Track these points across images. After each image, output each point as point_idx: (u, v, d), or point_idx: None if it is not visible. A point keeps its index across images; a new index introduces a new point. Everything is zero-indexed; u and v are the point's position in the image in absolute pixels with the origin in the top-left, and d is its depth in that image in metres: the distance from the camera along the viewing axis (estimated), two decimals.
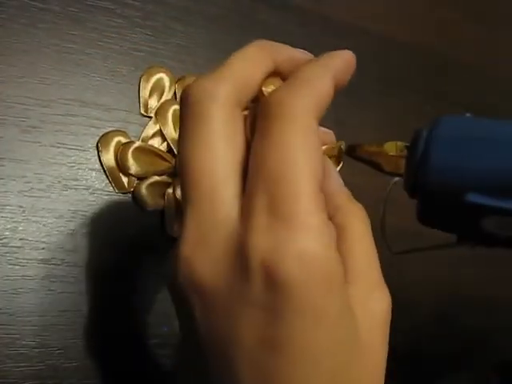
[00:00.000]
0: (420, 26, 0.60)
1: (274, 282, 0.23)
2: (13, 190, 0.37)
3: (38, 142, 0.38)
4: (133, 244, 0.40)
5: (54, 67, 0.40)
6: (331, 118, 0.35)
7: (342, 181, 0.31)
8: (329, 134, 0.36)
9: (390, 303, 0.27)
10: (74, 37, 0.41)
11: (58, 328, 0.36)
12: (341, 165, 0.41)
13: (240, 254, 0.24)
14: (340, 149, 0.35)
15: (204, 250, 0.25)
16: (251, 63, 0.29)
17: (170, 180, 0.42)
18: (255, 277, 0.23)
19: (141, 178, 0.41)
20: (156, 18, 0.45)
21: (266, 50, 0.30)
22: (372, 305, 0.26)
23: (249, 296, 0.24)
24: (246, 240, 0.24)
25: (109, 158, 0.40)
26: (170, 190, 0.41)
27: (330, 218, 0.27)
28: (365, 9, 0.59)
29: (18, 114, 0.38)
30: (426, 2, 0.62)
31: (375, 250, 0.28)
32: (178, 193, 0.41)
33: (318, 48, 0.53)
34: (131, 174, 0.40)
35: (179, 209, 0.41)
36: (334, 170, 0.31)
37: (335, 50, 0.53)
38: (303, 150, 0.25)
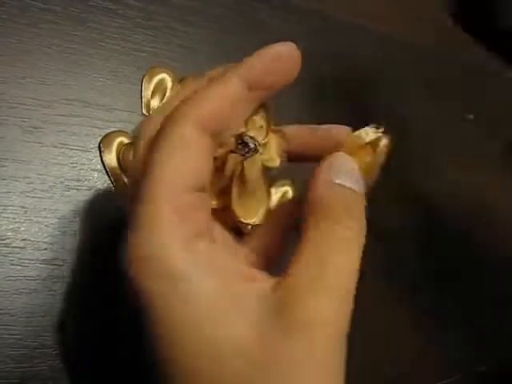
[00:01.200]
0: (420, 26, 0.60)
1: None
2: (15, 191, 0.37)
3: (40, 143, 0.38)
4: None
5: (56, 68, 0.40)
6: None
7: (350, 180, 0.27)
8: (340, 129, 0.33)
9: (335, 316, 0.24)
10: (75, 37, 0.41)
11: (60, 329, 0.36)
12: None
13: None
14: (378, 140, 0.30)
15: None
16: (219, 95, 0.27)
17: None
18: None
19: None
20: (158, 19, 0.45)
21: (233, 70, 0.28)
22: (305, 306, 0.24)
23: None
24: None
25: (111, 158, 0.40)
26: None
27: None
28: (365, 8, 0.59)
29: (19, 114, 0.38)
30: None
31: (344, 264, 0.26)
32: None
33: (318, 48, 0.53)
34: None
35: None
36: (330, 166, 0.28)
37: (336, 49, 0.54)
38: (172, 155, 0.26)
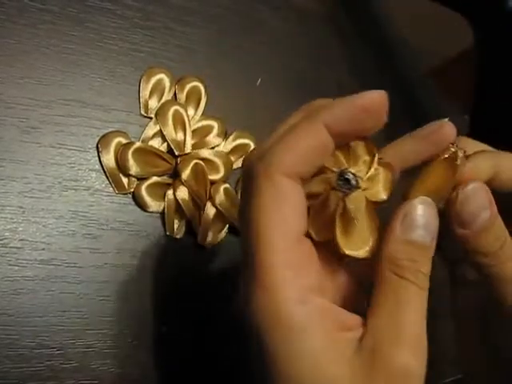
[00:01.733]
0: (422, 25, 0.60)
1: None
2: (13, 191, 0.37)
3: (38, 143, 0.38)
4: (133, 244, 0.40)
5: (54, 68, 0.40)
6: None
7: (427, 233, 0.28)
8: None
9: (416, 364, 0.27)
10: (73, 37, 0.41)
11: (58, 329, 0.36)
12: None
13: None
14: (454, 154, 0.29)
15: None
16: (305, 136, 0.28)
17: (170, 181, 0.42)
18: None
19: (141, 179, 0.41)
20: (156, 19, 0.45)
21: (317, 120, 0.28)
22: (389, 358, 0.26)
23: None
24: None
25: (109, 158, 0.40)
26: (171, 191, 0.41)
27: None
28: (365, 10, 0.59)
29: (17, 114, 0.38)
30: None
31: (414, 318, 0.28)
32: (178, 194, 0.41)
33: (317, 48, 0.53)
34: (131, 175, 0.40)
35: (179, 209, 0.41)
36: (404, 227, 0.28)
37: (337, 51, 0.54)
38: (272, 210, 0.27)
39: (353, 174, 0.28)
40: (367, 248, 0.29)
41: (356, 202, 0.28)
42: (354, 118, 0.27)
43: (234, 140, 0.45)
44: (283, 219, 0.27)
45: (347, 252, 0.28)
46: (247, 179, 0.28)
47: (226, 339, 0.41)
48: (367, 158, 0.29)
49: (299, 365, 0.26)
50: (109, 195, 0.40)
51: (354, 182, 0.28)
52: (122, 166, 0.40)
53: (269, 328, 0.26)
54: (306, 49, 0.53)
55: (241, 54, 0.48)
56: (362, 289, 0.31)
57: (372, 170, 0.29)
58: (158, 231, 0.41)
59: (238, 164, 0.45)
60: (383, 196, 0.29)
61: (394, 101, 0.55)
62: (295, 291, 0.26)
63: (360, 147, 0.29)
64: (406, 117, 0.44)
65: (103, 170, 0.40)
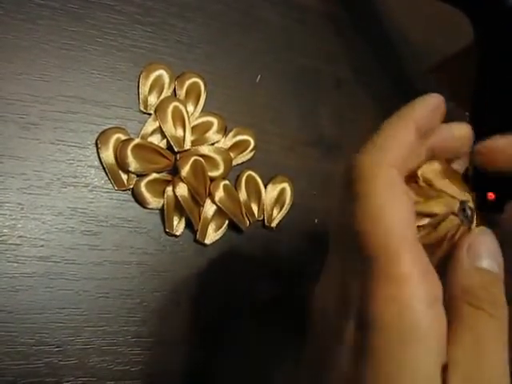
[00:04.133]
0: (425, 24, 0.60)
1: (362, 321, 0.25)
2: (12, 188, 0.36)
3: (38, 139, 0.38)
4: (132, 241, 0.40)
5: (54, 64, 0.40)
6: None
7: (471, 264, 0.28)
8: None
9: None
10: (73, 33, 0.41)
11: (57, 326, 0.36)
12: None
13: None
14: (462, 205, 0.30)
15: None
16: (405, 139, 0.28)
17: (169, 177, 0.41)
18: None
19: (140, 175, 0.41)
20: (156, 15, 0.44)
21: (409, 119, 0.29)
22: None
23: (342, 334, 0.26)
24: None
25: (108, 155, 0.40)
26: (170, 188, 0.41)
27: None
28: (365, 6, 0.58)
29: (17, 110, 0.38)
30: None
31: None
32: (178, 190, 0.40)
33: (317, 45, 0.53)
34: (130, 171, 0.40)
35: (178, 206, 0.41)
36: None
37: (336, 48, 0.54)
38: (390, 206, 0.25)
39: (472, 208, 0.30)
40: None
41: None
42: (432, 114, 0.30)
43: (233, 136, 0.45)
44: (406, 214, 0.26)
45: None
46: (354, 175, 0.27)
47: (226, 335, 0.42)
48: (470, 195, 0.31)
49: (410, 371, 0.24)
50: (108, 192, 0.40)
51: (471, 215, 0.29)
52: (121, 163, 0.40)
53: (389, 325, 0.24)
54: (306, 46, 0.52)
55: (241, 50, 0.48)
56: None
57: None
58: (157, 228, 0.41)
59: (237, 160, 0.45)
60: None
61: (393, 98, 0.56)
62: (425, 293, 0.25)
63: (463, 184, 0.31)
64: None
65: (102, 166, 0.40)
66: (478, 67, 0.49)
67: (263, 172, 0.46)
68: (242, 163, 0.45)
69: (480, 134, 0.51)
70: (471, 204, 0.30)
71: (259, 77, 0.48)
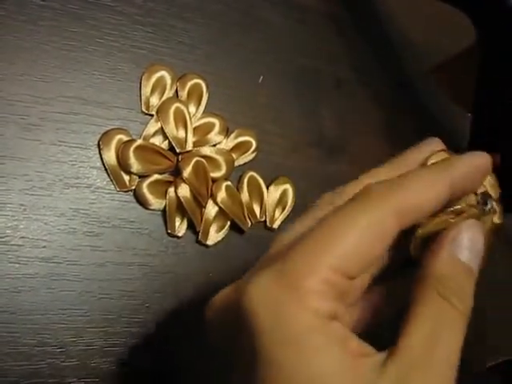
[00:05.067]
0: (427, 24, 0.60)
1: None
2: (14, 189, 0.36)
3: (39, 140, 0.38)
4: (134, 242, 0.40)
5: (55, 65, 0.40)
6: None
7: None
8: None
9: None
10: (74, 34, 0.41)
11: (59, 327, 0.36)
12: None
13: None
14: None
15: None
16: (425, 191, 0.27)
17: (171, 178, 0.41)
18: None
19: (142, 177, 0.41)
20: (157, 16, 0.44)
21: (446, 174, 0.28)
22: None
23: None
24: None
25: (110, 156, 0.40)
26: (172, 189, 0.41)
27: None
28: (366, 6, 0.59)
29: (18, 111, 0.38)
30: None
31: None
32: (180, 191, 0.40)
33: (318, 45, 0.53)
34: (132, 173, 0.40)
35: (180, 207, 0.41)
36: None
37: (337, 48, 0.54)
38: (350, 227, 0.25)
39: (493, 199, 0.30)
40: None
41: (487, 223, 0.29)
42: (472, 176, 0.28)
43: (235, 137, 0.45)
44: (363, 249, 0.25)
45: None
46: (360, 193, 0.27)
47: None
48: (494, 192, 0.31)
49: None
50: (110, 193, 0.40)
51: (491, 204, 0.30)
52: (123, 164, 0.40)
53: (278, 336, 0.24)
54: (307, 46, 0.53)
55: (242, 51, 0.48)
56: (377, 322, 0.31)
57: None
58: (159, 229, 0.41)
59: (239, 161, 0.45)
60: (500, 221, 0.31)
61: (395, 98, 0.56)
62: (322, 309, 0.24)
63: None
64: (407, 114, 0.44)
65: (104, 167, 0.40)
66: (479, 67, 0.49)
67: (265, 173, 0.46)
68: (244, 164, 0.45)
69: (482, 134, 0.51)
70: (493, 197, 0.30)
71: (262, 78, 0.48)
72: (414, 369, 0.24)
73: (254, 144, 0.45)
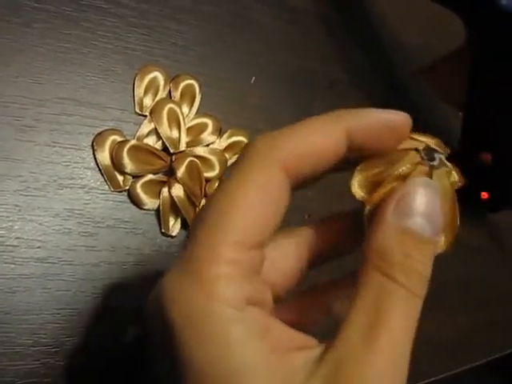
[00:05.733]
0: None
1: None
2: (8, 189, 0.37)
3: (34, 141, 0.38)
4: (128, 242, 0.40)
5: (49, 66, 0.40)
6: None
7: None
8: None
9: None
10: (68, 36, 0.41)
11: (54, 327, 0.36)
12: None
13: None
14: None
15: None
16: (317, 135, 0.24)
17: (165, 178, 0.42)
18: None
19: (136, 177, 0.41)
20: (150, 17, 0.45)
21: (340, 121, 0.25)
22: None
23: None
24: None
25: (104, 156, 0.40)
26: (166, 189, 0.41)
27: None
28: (357, 8, 0.59)
29: (12, 113, 0.38)
30: None
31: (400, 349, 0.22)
32: (174, 191, 0.41)
33: (311, 46, 0.54)
34: (126, 173, 0.40)
35: (174, 207, 0.41)
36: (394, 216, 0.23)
37: (329, 49, 0.54)
38: (248, 199, 0.23)
39: (438, 151, 0.26)
40: (443, 239, 0.25)
41: (442, 179, 0.25)
42: (377, 129, 0.24)
43: (228, 137, 0.45)
44: (261, 213, 0.23)
45: None
46: (242, 154, 0.24)
47: None
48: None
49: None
50: (104, 193, 0.40)
51: (439, 157, 0.25)
52: (117, 164, 0.40)
53: (193, 332, 0.21)
54: (299, 47, 0.53)
55: (235, 52, 0.49)
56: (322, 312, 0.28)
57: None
58: (153, 229, 0.41)
59: (232, 161, 0.45)
60: (460, 182, 0.27)
61: (386, 98, 0.56)
62: (237, 294, 0.22)
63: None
64: None
65: (98, 168, 0.40)
66: (470, 68, 0.50)
67: None
68: None
69: (473, 134, 0.52)
70: (443, 154, 0.26)
71: (254, 78, 0.48)
72: (349, 363, 0.21)
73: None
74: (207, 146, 0.44)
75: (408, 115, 0.25)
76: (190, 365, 0.22)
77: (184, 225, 0.42)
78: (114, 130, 0.41)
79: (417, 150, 0.25)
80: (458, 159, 0.42)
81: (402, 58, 0.59)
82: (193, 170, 0.42)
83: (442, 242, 0.25)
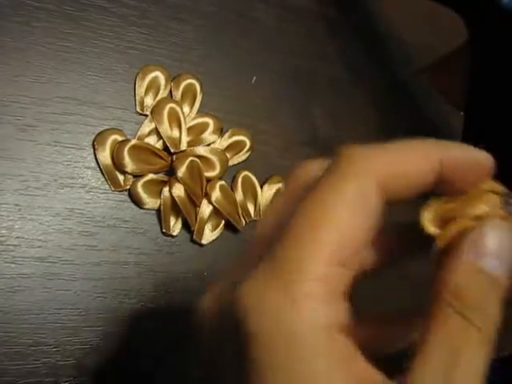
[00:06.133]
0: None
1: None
2: (9, 189, 0.37)
3: (34, 141, 0.38)
4: (129, 241, 0.40)
5: (50, 66, 0.40)
6: None
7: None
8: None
9: None
10: (69, 35, 0.41)
11: (55, 326, 0.36)
12: None
13: None
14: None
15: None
16: (415, 158, 0.23)
17: (165, 178, 0.42)
18: None
19: (137, 176, 0.41)
20: (151, 17, 0.45)
21: (437, 149, 0.24)
22: None
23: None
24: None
25: (105, 156, 0.40)
26: (167, 188, 0.41)
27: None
28: (358, 8, 0.59)
29: (13, 112, 0.38)
30: None
31: None
32: (174, 191, 0.41)
33: (312, 45, 0.53)
34: (127, 172, 0.40)
35: (175, 206, 0.41)
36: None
37: (330, 48, 0.54)
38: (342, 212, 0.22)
39: None
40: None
41: None
42: (467, 165, 0.24)
43: (229, 137, 0.45)
44: (353, 231, 0.22)
45: None
46: (337, 163, 0.23)
47: None
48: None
49: None
50: (105, 192, 0.40)
51: None
52: (117, 164, 0.40)
53: (273, 350, 0.20)
54: (300, 46, 0.53)
55: (236, 51, 0.48)
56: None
57: None
58: (154, 228, 0.41)
59: (233, 161, 0.45)
60: None
61: (387, 98, 0.56)
62: (326, 319, 0.21)
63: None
64: (399, 114, 0.44)
65: (99, 167, 0.40)
66: (471, 67, 0.49)
67: (259, 172, 0.46)
68: (238, 164, 0.45)
69: (474, 132, 0.51)
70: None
71: (254, 78, 0.48)
72: None
73: (248, 143, 0.46)
74: (208, 145, 0.44)
75: (491, 157, 0.24)
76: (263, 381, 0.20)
77: (185, 224, 0.42)
78: (114, 130, 0.41)
79: (497, 193, 0.25)
80: None
81: (402, 57, 0.59)
82: (194, 169, 0.42)
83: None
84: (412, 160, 0.23)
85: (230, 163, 0.45)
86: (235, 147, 0.45)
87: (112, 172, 0.40)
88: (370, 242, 0.23)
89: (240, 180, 0.45)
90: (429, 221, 0.25)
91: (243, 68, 0.48)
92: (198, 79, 0.45)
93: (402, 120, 0.43)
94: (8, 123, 0.37)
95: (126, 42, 0.43)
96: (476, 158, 0.24)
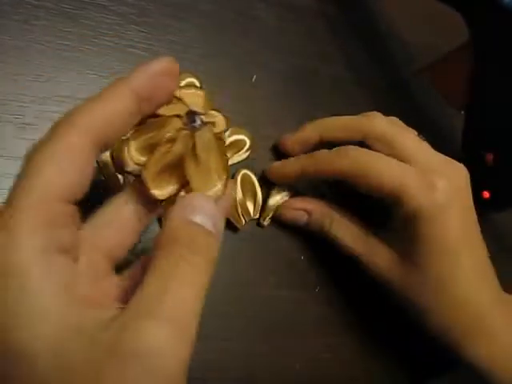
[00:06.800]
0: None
1: None
2: (7, 188, 0.36)
3: (34, 139, 0.37)
4: None
5: (49, 64, 0.40)
6: None
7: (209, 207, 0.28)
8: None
9: (175, 345, 0.23)
10: (68, 34, 0.41)
11: None
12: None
13: None
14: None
15: None
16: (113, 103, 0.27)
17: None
18: None
19: (137, 175, 0.41)
20: (151, 15, 0.45)
21: (124, 83, 0.28)
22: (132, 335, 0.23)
23: None
24: None
25: (105, 155, 0.40)
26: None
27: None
28: (359, 6, 0.59)
29: (12, 111, 0.38)
30: None
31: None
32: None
33: (312, 44, 0.53)
34: (127, 172, 0.40)
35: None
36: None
37: (331, 48, 0.54)
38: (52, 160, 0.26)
39: (198, 112, 0.30)
40: (219, 186, 0.30)
41: (203, 137, 0.29)
42: (154, 80, 0.28)
43: (229, 136, 0.45)
44: (63, 173, 0.25)
45: (201, 191, 0.29)
46: (48, 131, 0.27)
47: (222, 334, 0.42)
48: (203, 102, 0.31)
49: (18, 333, 0.22)
50: (104, 191, 0.40)
51: (200, 119, 0.29)
52: (117, 163, 0.40)
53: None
54: (301, 45, 0.53)
55: (236, 50, 0.48)
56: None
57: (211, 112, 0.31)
58: (154, 226, 0.41)
59: (233, 160, 0.45)
60: (220, 129, 0.31)
61: (389, 97, 0.56)
62: (41, 243, 0.24)
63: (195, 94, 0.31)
64: (400, 113, 0.44)
65: (98, 166, 0.40)
66: (472, 67, 0.49)
67: (259, 171, 0.46)
68: (238, 163, 0.45)
69: (475, 132, 0.51)
70: (199, 110, 0.30)
71: (254, 77, 0.48)
72: (136, 325, 0.23)
73: (248, 143, 0.46)
74: None
75: (172, 59, 0.29)
76: None
77: None
78: None
79: (179, 116, 0.29)
80: (459, 158, 0.42)
81: (403, 58, 0.59)
82: None
83: (220, 187, 0.30)
84: (108, 106, 0.27)
85: (230, 162, 0.45)
86: (235, 146, 0.45)
87: (111, 171, 0.40)
88: (87, 180, 0.27)
89: (240, 179, 0.45)
90: (135, 151, 0.31)
91: (243, 67, 0.48)
92: (197, 78, 0.45)
93: (403, 119, 0.43)
94: (7, 122, 0.37)
95: (125, 41, 0.43)
96: (159, 69, 0.28)
